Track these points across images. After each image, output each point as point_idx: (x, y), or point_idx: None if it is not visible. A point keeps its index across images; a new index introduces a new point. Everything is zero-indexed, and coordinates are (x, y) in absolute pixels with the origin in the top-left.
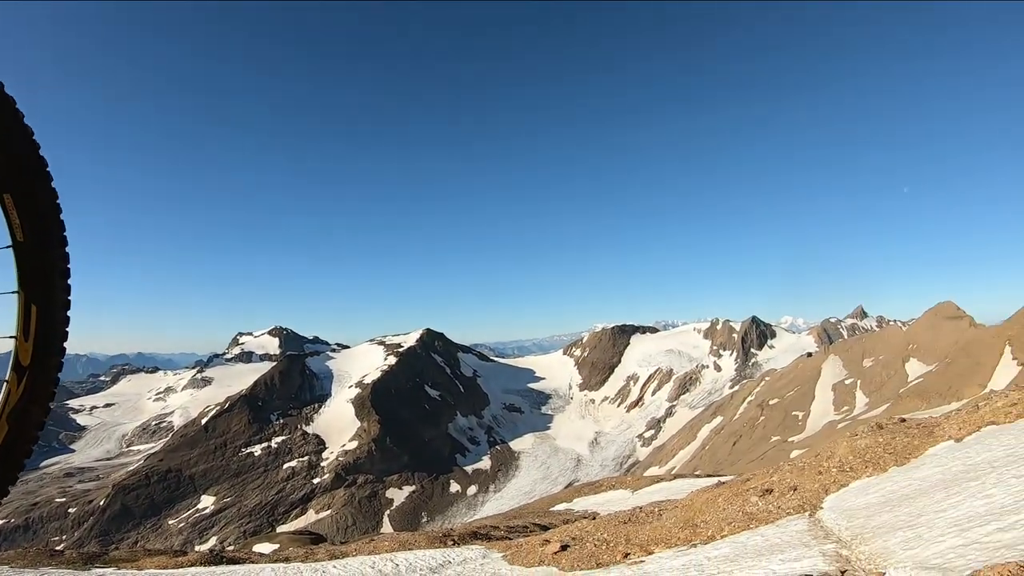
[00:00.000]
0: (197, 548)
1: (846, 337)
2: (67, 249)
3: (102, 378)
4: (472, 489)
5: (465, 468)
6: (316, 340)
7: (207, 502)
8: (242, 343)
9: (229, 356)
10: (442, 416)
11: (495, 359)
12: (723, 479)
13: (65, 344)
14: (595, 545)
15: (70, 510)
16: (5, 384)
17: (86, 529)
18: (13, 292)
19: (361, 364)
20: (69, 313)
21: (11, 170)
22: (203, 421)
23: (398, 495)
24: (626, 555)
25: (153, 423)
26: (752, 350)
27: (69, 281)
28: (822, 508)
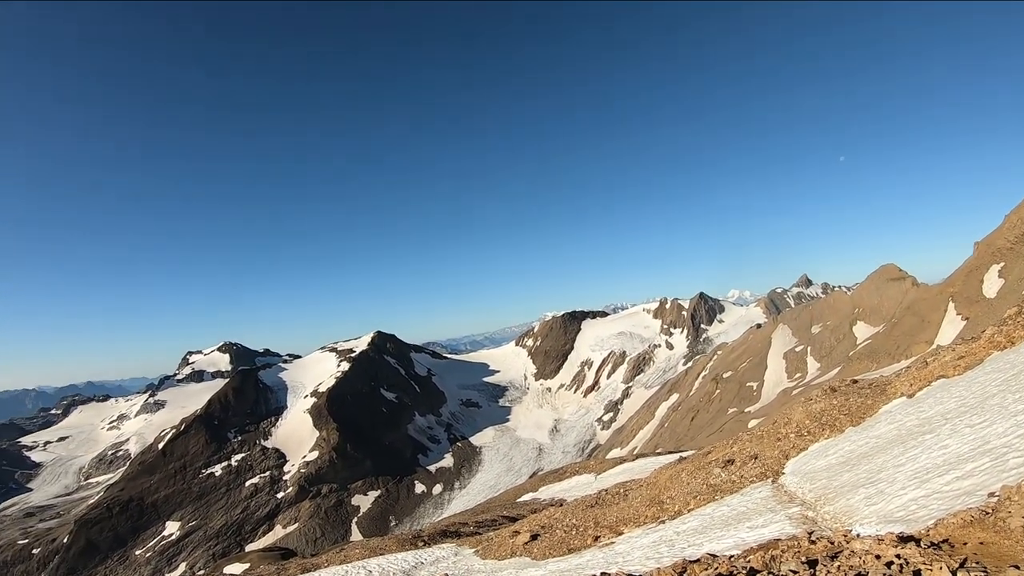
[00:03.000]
0: None
1: (793, 306)
2: None
3: (53, 411)
4: (437, 488)
5: (428, 468)
6: (267, 352)
7: (172, 528)
8: (192, 362)
9: (180, 377)
10: (401, 418)
11: (448, 356)
12: (684, 454)
13: None
14: (565, 531)
15: (34, 551)
16: None
17: (52, 569)
18: None
19: (314, 373)
20: None
21: None
22: (160, 446)
23: (364, 501)
24: (596, 538)
25: (109, 453)
26: (702, 326)
27: None
28: (784, 473)
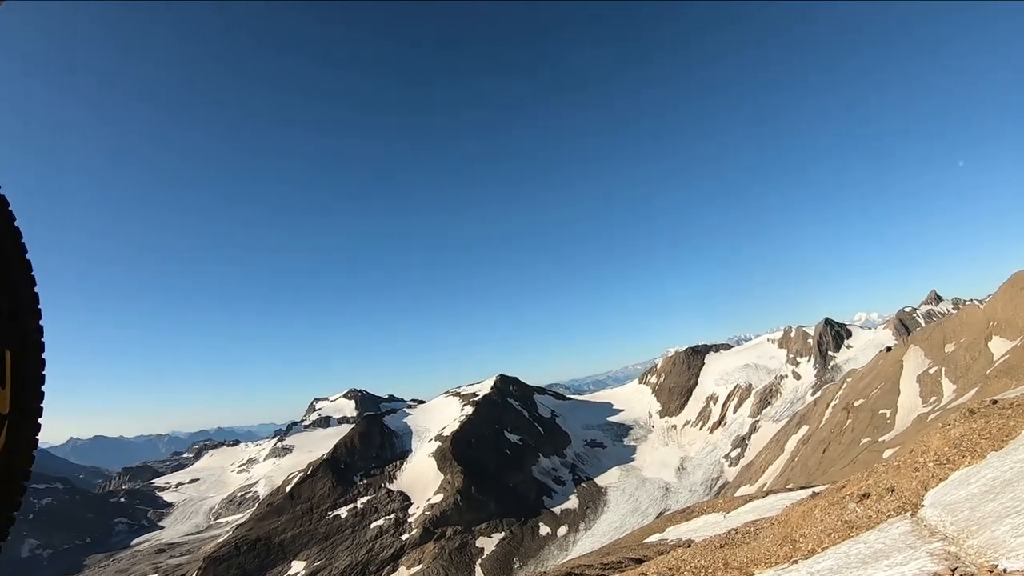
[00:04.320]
0: None
1: (923, 325)
2: (36, 289)
3: (185, 455)
4: (562, 530)
5: (553, 509)
6: (391, 398)
7: (298, 567)
8: (319, 409)
9: (307, 423)
10: (525, 460)
11: (572, 397)
12: (817, 489)
13: (44, 386)
14: (692, 573)
15: None
16: None
17: None
18: None
19: (438, 417)
20: (44, 355)
21: None
22: (288, 488)
23: (488, 543)
24: None
25: (239, 494)
26: (830, 353)
27: (41, 322)
28: (923, 506)
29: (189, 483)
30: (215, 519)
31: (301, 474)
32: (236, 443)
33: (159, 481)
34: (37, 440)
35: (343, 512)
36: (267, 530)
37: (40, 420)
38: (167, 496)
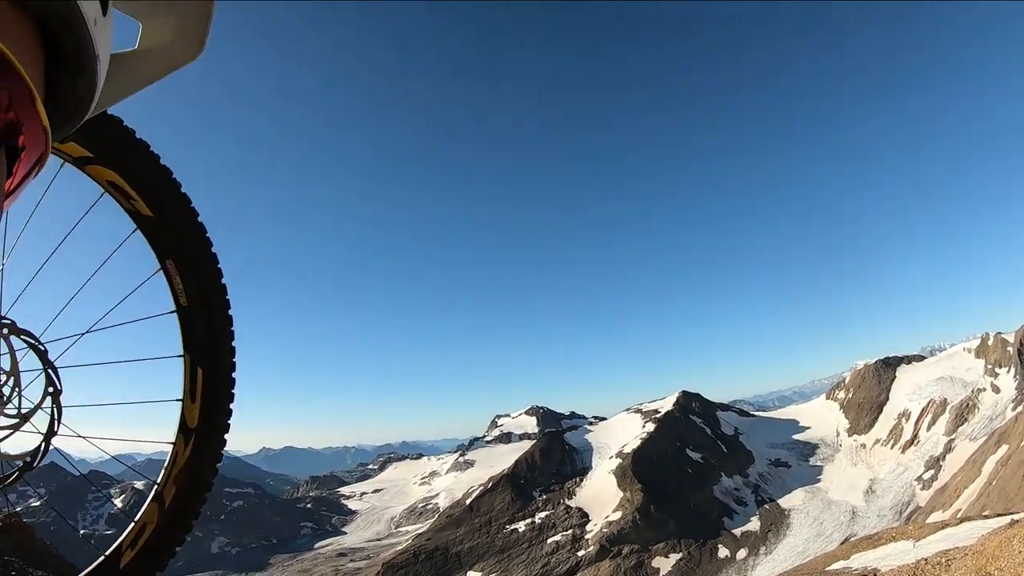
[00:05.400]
0: None
1: None
2: (231, 312)
3: (370, 467)
4: (741, 553)
5: (733, 531)
6: (572, 415)
7: None
8: (500, 425)
9: (489, 438)
10: (706, 479)
11: (756, 414)
12: (1016, 517)
13: (232, 404)
14: None
15: None
16: (172, 446)
17: None
18: (179, 356)
19: (619, 434)
20: (235, 374)
21: (174, 238)
22: (467, 501)
23: (664, 563)
24: None
25: (420, 505)
26: None
27: (234, 343)
28: None
29: (373, 493)
30: (396, 528)
31: (481, 488)
32: (419, 456)
33: (344, 490)
34: (222, 455)
35: (520, 526)
36: (445, 540)
37: (226, 436)
38: (351, 504)
